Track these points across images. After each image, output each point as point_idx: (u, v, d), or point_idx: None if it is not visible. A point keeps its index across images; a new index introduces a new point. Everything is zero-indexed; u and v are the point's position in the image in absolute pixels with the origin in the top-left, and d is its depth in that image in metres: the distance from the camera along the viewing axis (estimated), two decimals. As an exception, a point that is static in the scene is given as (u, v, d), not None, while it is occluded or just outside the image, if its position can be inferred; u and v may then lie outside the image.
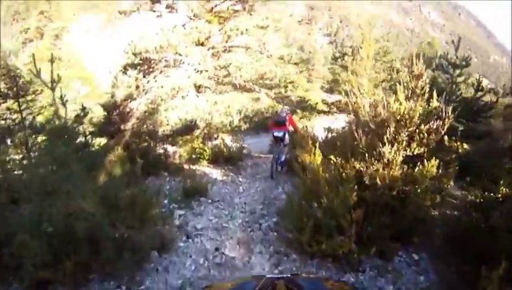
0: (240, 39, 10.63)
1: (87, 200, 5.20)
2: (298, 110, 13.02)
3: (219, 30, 10.42)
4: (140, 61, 10.99)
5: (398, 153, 5.25)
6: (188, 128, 8.93)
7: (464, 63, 8.02)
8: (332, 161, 5.83)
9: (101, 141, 12.88)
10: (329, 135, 8.85)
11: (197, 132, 9.47)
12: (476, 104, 8.06)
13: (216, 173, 9.36)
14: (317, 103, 14.68)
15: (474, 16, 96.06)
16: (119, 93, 10.24)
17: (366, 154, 5.54)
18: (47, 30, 32.11)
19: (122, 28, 27.29)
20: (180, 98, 10.14)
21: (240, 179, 9.03)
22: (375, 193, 5.23)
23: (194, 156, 10.03)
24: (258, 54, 10.29)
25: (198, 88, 10.95)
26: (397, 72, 14.42)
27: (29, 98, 7.41)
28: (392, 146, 5.26)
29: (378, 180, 5.11)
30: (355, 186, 5.10)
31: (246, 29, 9.40)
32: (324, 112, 15.18)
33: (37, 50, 27.08)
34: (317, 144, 5.59)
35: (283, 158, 8.59)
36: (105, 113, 11.09)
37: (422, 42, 16.06)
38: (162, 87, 9.73)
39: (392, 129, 5.31)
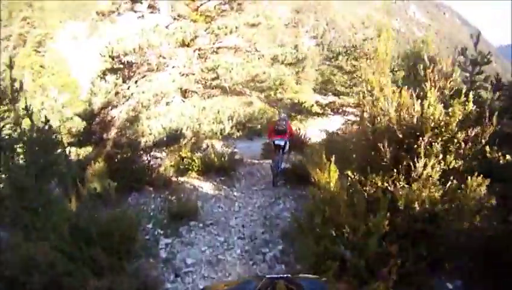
0: (229, 40, 9.37)
1: (53, 235, 4.33)
2: (293, 114, 11.76)
3: (205, 30, 9.12)
4: (121, 66, 9.64)
5: (434, 168, 4.06)
6: (173, 138, 7.58)
7: (485, 60, 6.83)
8: (349, 178, 4.60)
9: (82, 151, 11.56)
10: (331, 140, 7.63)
11: (183, 142, 8.12)
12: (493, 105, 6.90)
13: (207, 187, 8.06)
14: (312, 106, 13.50)
15: (459, 15, 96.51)
16: (97, 101, 8.83)
17: (392, 169, 4.36)
18: (30, 37, 30.22)
19: (108, 33, 25.77)
20: (164, 104, 8.82)
21: (235, 194, 7.74)
22: (409, 218, 4.02)
23: (182, 167, 8.71)
24: (249, 55, 9.02)
25: (184, 93, 9.64)
26: (395, 71, 13.30)
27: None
28: (429, 159, 4.05)
29: (416, 204, 3.88)
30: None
31: (236, 27, 8.15)
32: (318, 114, 13.97)
33: (19, 57, 25.39)
34: (332, 158, 4.30)
35: (283, 165, 8.12)
36: (85, 122, 9.76)
37: (416, 40, 15.03)
38: (143, 92, 8.38)
39: (427, 138, 4.12)
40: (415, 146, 4.26)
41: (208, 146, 8.89)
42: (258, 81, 9.30)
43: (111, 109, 9.32)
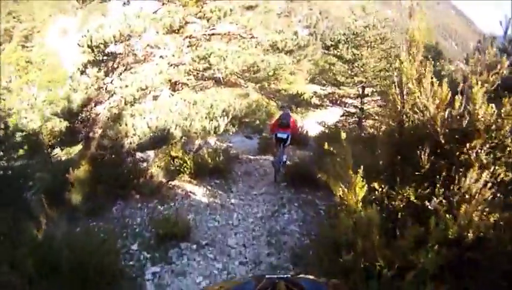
0: (222, 26, 8.22)
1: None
2: (293, 106, 10.66)
3: (196, 14, 7.95)
4: (105, 57, 8.49)
5: (487, 182, 3.09)
6: (160, 139, 6.47)
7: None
8: (376, 191, 3.62)
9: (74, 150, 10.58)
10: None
11: (172, 144, 7.04)
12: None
13: (200, 193, 7.04)
14: (312, 97, 12.43)
15: (453, 5, 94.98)
16: (77, 97, 7.69)
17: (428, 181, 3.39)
18: (16, 31, 28.58)
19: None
20: (150, 99, 7.71)
21: (232, 201, 6.70)
22: (456, 248, 3.04)
23: (172, 168, 7.67)
24: (245, 42, 7.90)
25: (174, 86, 8.52)
26: (397, 60, 12.22)
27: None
28: (482, 171, 3.06)
29: (470, 232, 2.89)
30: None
31: (230, 10, 6.97)
32: (317, 106, 12.95)
33: (4, 53, 23.91)
34: (360, 171, 3.28)
35: (284, 158, 7.73)
36: (65, 121, 8.69)
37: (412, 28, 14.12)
38: (126, 87, 7.26)
39: (478, 145, 3.12)
40: (458, 153, 3.26)
41: (200, 146, 7.83)
42: (254, 71, 8.19)
43: (95, 105, 8.22)
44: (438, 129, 3.28)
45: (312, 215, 5.98)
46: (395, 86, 3.76)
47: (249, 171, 8.94)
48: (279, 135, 7.51)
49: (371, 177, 3.81)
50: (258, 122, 9.64)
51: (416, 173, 3.51)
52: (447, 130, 3.31)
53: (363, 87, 12.87)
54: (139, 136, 6.48)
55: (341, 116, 14.04)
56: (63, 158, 9.95)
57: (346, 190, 3.38)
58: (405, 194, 3.53)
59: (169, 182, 7.50)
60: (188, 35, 8.34)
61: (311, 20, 13.20)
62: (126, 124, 6.87)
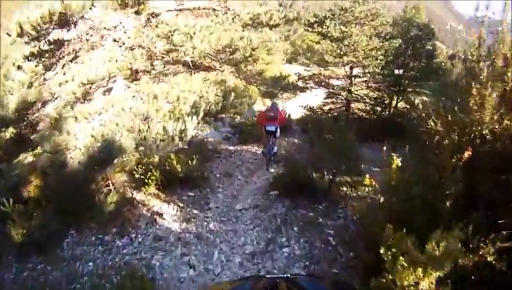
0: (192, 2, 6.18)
1: None
2: (277, 92, 8.70)
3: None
4: (49, 47, 6.28)
5: None
6: (105, 155, 4.42)
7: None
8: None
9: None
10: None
11: (120, 162, 5.03)
12: None
13: (170, 214, 5.19)
14: (298, 80, 10.61)
15: None
16: (12, 99, 5.55)
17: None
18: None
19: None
20: (100, 95, 5.71)
21: (211, 226, 4.86)
22: None
23: (137, 176, 5.77)
24: (219, 15, 5.90)
25: (134, 75, 6.46)
26: (390, 38, 10.51)
27: None
28: None
29: None
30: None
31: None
32: (301, 89, 11.08)
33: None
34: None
35: (275, 149, 7.55)
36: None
37: (406, 6, 12.29)
38: (66, 82, 5.27)
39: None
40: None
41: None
42: (231, 51, 6.25)
43: (43, 106, 6.12)
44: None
45: (320, 246, 4.25)
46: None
47: (230, 171, 7.13)
48: (267, 128, 7.23)
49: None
50: (238, 118, 7.68)
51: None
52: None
53: (352, 68, 11.20)
54: (81, 150, 4.49)
55: (325, 98, 12.41)
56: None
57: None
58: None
59: (133, 195, 5.63)
60: (150, 13, 6.23)
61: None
62: (68, 132, 4.85)
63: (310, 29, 11.09)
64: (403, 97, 11.82)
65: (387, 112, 11.83)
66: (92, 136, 4.47)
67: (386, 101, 11.72)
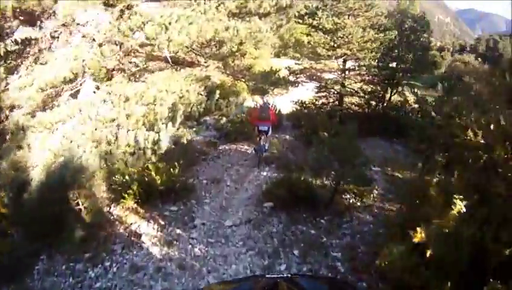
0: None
1: None
2: (267, 87, 7.84)
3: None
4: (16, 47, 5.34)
5: None
6: (65, 177, 3.51)
7: None
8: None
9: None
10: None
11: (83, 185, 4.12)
12: None
13: (149, 235, 4.38)
14: (289, 74, 9.80)
15: None
16: None
17: None
18: None
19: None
20: (65, 100, 4.84)
21: (196, 251, 4.04)
22: None
23: (114, 186, 4.94)
24: (201, 4, 5.01)
25: (109, 74, 5.56)
26: (385, 30, 9.75)
27: None
28: None
29: None
30: None
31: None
32: (292, 83, 10.24)
33: None
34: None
35: (267, 146, 7.55)
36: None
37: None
38: (24, 88, 4.41)
39: None
40: None
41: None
42: (216, 44, 5.43)
43: (11, 111, 5.23)
44: None
45: (327, 274, 3.50)
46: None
47: (218, 176, 6.33)
48: (260, 128, 7.23)
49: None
50: (224, 120, 6.72)
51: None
52: None
53: (345, 61, 10.42)
54: (41, 168, 3.62)
55: (317, 92, 11.63)
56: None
57: None
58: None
59: (110, 209, 4.81)
60: (125, 5, 5.30)
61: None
62: (29, 146, 3.98)
63: (301, 21, 10.23)
64: (396, 90, 11.19)
65: (380, 106, 11.14)
66: (54, 153, 3.59)
67: (379, 95, 11.02)
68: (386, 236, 3.78)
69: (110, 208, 5.01)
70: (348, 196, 5.03)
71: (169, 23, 4.07)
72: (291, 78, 10.53)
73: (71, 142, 3.66)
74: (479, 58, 25.41)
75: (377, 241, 3.93)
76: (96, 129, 3.86)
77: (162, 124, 3.76)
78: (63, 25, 5.18)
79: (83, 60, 4.81)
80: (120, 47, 5.31)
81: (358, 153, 4.35)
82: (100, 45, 4.97)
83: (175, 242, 4.17)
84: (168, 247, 4.07)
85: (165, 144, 3.61)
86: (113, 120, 3.98)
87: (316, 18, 9.48)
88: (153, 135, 3.63)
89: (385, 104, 11.14)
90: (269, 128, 7.27)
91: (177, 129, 4.20)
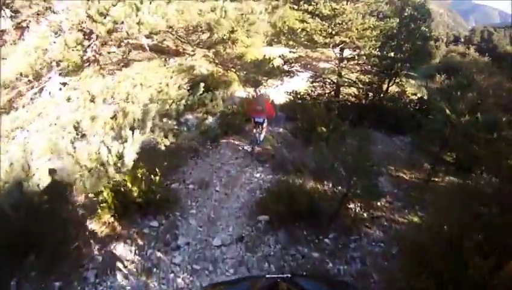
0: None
1: None
2: (260, 78, 7.03)
3: None
4: None
5: None
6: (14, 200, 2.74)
7: None
8: None
9: None
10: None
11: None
12: None
13: (127, 257, 3.63)
14: (283, 64, 9.01)
15: None
16: None
17: None
18: None
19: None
20: (28, 99, 3.97)
21: (179, 282, 3.29)
22: None
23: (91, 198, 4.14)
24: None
25: (79, 68, 4.67)
26: (384, 17, 9.00)
27: None
28: None
29: None
30: None
31: None
32: (286, 73, 9.45)
33: None
34: None
35: (262, 137, 7.39)
36: None
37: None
38: None
39: None
40: None
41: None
42: (203, 30, 4.58)
43: None
44: None
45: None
46: None
47: (206, 178, 5.57)
48: (256, 120, 7.21)
49: None
50: (210, 119, 5.84)
51: None
52: None
53: (342, 49, 9.62)
54: None
55: (312, 82, 10.86)
56: None
57: None
58: None
59: (86, 223, 4.03)
60: None
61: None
62: None
63: (296, 7, 9.36)
64: (394, 81, 10.51)
65: (378, 97, 10.46)
66: (11, 163, 2.75)
67: (377, 86, 10.31)
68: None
69: (86, 222, 4.24)
70: (353, 206, 4.33)
71: (141, 2, 3.20)
72: (286, 67, 9.77)
73: (22, 157, 2.83)
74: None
75: (391, 266, 3.26)
76: (55, 138, 3.03)
77: (130, 129, 2.94)
78: (37, 14, 4.29)
79: (44, 53, 3.93)
80: (89, 35, 4.44)
81: (370, 161, 3.63)
82: (67, 32, 4.10)
83: (155, 270, 3.42)
84: (147, 276, 3.33)
85: (130, 159, 2.80)
86: (76, 125, 3.16)
87: (313, 3, 8.63)
88: (117, 146, 2.82)
89: (382, 95, 10.50)
90: (264, 120, 7.23)
91: (152, 132, 3.38)
